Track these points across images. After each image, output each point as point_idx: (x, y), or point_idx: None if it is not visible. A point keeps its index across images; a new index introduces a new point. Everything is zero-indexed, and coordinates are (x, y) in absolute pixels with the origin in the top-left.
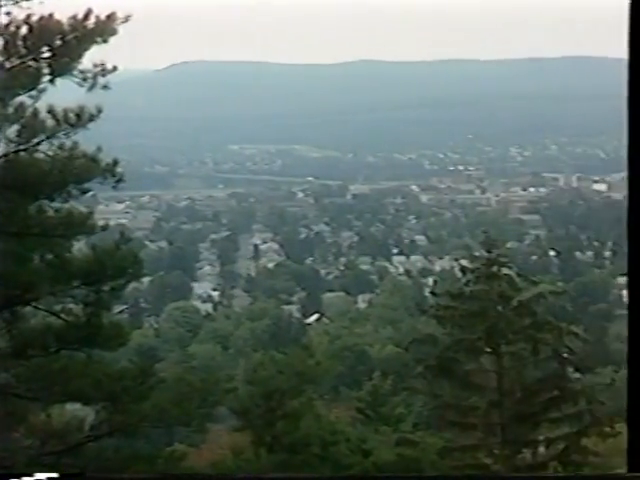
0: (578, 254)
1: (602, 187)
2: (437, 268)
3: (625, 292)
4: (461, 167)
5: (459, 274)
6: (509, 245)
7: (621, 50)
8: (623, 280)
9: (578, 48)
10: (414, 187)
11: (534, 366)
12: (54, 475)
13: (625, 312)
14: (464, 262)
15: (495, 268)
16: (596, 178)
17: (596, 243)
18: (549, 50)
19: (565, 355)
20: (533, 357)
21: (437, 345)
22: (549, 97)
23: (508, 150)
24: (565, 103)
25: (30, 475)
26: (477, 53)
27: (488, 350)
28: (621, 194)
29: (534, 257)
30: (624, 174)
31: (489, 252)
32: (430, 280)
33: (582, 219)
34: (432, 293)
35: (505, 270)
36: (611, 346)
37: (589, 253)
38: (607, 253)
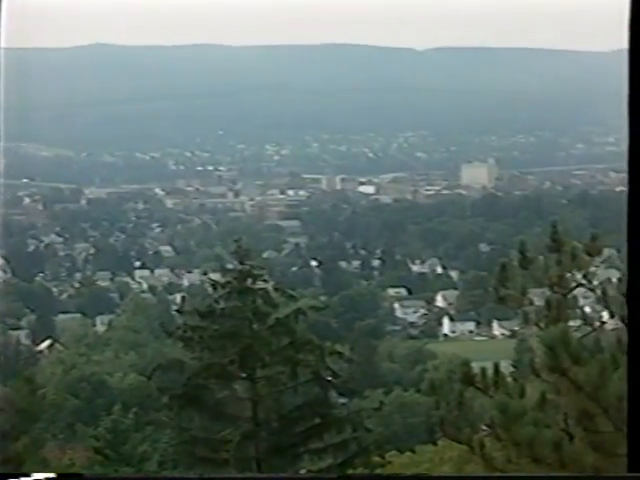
0: (343, 264)
1: (369, 189)
2: (185, 283)
3: (397, 305)
4: (211, 167)
5: (210, 289)
6: (265, 255)
7: (393, 40)
8: (394, 292)
9: (342, 36)
10: (158, 190)
11: (293, 391)
12: (52, 475)
13: (397, 328)
14: (215, 275)
15: (249, 282)
16: (362, 179)
17: (363, 251)
18: (309, 37)
19: (328, 378)
20: (292, 381)
21: (184, 371)
22: (309, 89)
23: (264, 148)
24: (327, 96)
25: (28, 475)
26: (228, 38)
27: (242, 375)
28: (390, 197)
29: (294, 268)
30: (393, 175)
31: (242, 264)
32: (177, 297)
33: (347, 225)
34: (178, 312)
35: (260, 284)
36: (381, 366)
37: (355, 263)
38: (375, 262)
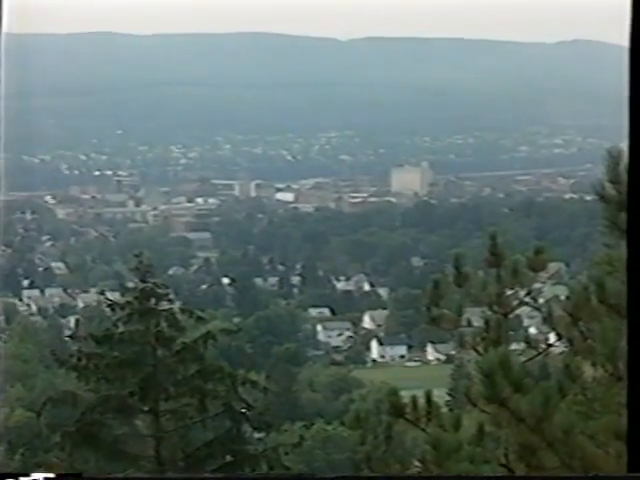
0: (259, 281)
1: (288, 196)
2: (80, 304)
3: (319, 327)
4: (109, 172)
5: (107, 311)
6: (171, 272)
7: (314, 28)
8: (315, 312)
9: (257, 23)
10: (49, 198)
11: (202, 426)
12: (51, 475)
13: (319, 353)
14: (113, 295)
15: (152, 302)
16: (280, 185)
17: (281, 267)
18: (219, 24)
19: (241, 410)
20: (200, 415)
21: (78, 405)
22: (221, 83)
23: (169, 150)
24: (241, 91)
25: (27, 475)
26: (130, 27)
27: (144, 409)
28: (311, 205)
29: (203, 286)
30: (315, 180)
31: (144, 282)
32: (71, 320)
33: (263, 237)
34: (72, 337)
35: (165, 304)
36: (301, 396)
37: (272, 280)
38: (295, 279)
